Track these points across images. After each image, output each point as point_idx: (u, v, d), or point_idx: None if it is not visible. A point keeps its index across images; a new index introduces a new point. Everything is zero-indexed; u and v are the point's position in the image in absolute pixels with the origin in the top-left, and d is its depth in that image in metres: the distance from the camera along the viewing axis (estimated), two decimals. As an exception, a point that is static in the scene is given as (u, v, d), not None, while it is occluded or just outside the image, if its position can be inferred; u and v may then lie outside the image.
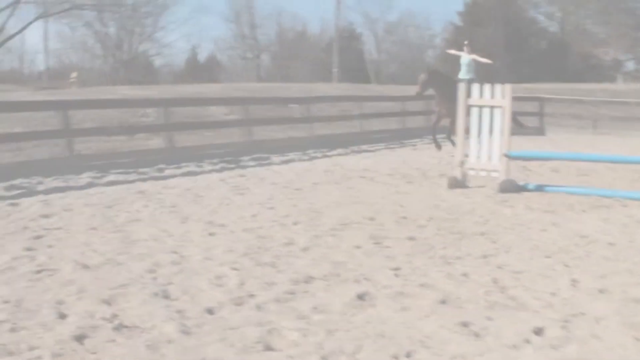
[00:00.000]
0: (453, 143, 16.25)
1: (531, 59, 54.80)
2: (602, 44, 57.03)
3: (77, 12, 64.44)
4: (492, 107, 11.81)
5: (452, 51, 20.28)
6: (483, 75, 19.83)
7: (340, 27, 57.76)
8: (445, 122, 17.58)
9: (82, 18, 66.12)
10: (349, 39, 64.14)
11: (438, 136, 17.85)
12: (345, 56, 56.99)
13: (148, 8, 67.91)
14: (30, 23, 64.55)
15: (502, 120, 11.70)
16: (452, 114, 16.49)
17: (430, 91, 17.38)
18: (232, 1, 72.28)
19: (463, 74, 18.40)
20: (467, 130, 12.08)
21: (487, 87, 11.91)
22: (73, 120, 14.25)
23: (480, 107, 11.91)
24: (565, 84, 38.92)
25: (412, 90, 17.71)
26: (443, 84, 17.01)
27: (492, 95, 11.81)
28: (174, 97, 19.24)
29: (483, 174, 11.95)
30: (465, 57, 18.77)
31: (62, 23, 66.56)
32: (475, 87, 12.01)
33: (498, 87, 11.82)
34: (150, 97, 21.00)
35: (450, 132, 17.12)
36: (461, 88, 12.13)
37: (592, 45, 56.67)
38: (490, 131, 11.84)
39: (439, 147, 17.52)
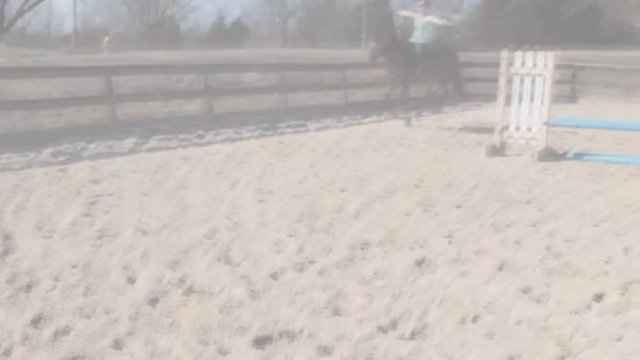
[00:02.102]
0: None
1: (562, 24, 54.29)
2: (635, 10, 56.39)
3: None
4: (533, 75, 11.83)
5: (404, 12, 18.23)
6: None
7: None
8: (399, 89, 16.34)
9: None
10: (376, 3, 63.71)
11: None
12: (374, 21, 56.71)
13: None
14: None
15: (543, 89, 11.72)
16: (403, 82, 16.00)
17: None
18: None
19: (417, 38, 16.13)
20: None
21: (529, 55, 11.93)
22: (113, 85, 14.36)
23: (522, 75, 11.93)
24: (597, 51, 38.57)
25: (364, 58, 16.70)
26: (394, 50, 15.62)
27: (534, 63, 11.82)
28: (215, 63, 19.34)
29: (522, 142, 12.00)
30: (420, 19, 16.22)
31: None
32: (518, 55, 12.01)
33: (540, 55, 11.83)
34: (189, 62, 21.12)
35: (402, 100, 16.44)
36: (503, 56, 12.11)
37: (624, 12, 56.05)
38: (531, 99, 11.87)
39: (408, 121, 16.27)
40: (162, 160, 10.94)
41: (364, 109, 18.50)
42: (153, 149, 12.01)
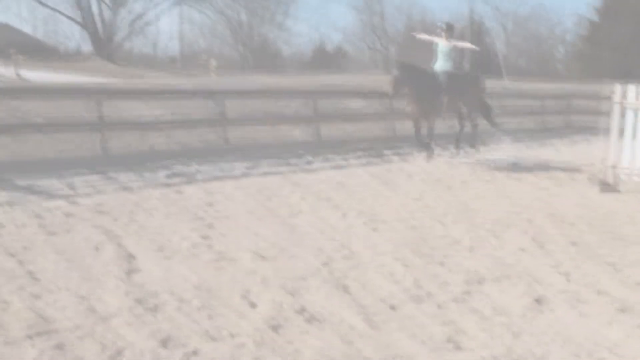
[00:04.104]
0: (428, 149, 14.39)
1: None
2: None
3: (210, -1, 66.30)
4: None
5: (424, 36, 16.44)
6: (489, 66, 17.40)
7: (471, 19, 57.19)
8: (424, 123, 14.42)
9: (214, 4, 67.95)
10: (478, 32, 63.38)
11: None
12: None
13: (279, -5, 69.04)
14: (166, 9, 66.69)
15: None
16: (428, 115, 14.23)
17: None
18: (362, -10, 72.32)
19: (441, 65, 14.50)
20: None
21: (642, 89, 11.74)
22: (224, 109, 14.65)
23: (636, 108, 11.72)
24: None
25: (385, 90, 14.05)
26: (418, 79, 13.90)
27: (649, 97, 11.62)
28: (322, 90, 19.45)
29: (636, 178, 11.76)
30: (444, 45, 14.58)
31: (194, 9, 68.50)
32: (632, 89, 11.80)
33: (654, 89, 11.63)
34: (296, 88, 21.35)
35: (429, 135, 14.42)
36: (616, 88, 11.91)
37: None
38: (645, 134, 11.65)
39: (430, 153, 14.52)
40: (273, 185, 11.10)
41: (470, 139, 18.35)
42: (263, 174, 12.18)
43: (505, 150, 16.39)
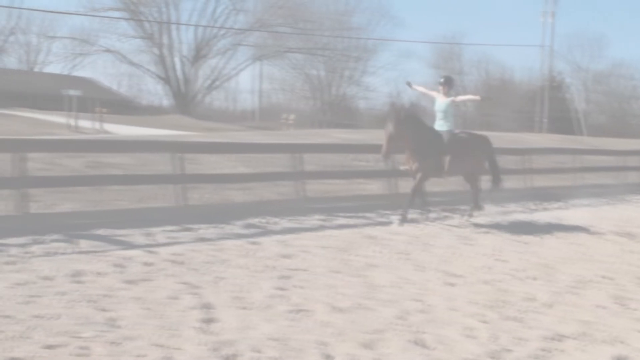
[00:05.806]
0: (405, 214, 12.98)
1: None
2: None
3: (289, 55, 67.61)
4: None
5: (421, 89, 13.93)
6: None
7: (550, 76, 56.87)
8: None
9: (293, 60, 69.28)
10: (555, 88, 62.97)
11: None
12: (551, 106, 56.06)
13: (357, 52, 69.90)
14: (245, 64, 68.14)
15: None
16: (423, 170, 13.12)
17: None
18: (438, 47, 72.71)
19: (440, 124, 13.39)
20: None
21: None
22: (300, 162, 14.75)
23: None
24: None
25: (380, 149, 13.09)
26: (416, 133, 12.81)
27: None
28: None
29: None
30: (441, 101, 13.45)
31: (273, 65, 69.87)
32: None
33: None
34: (370, 142, 21.46)
35: (414, 191, 13.27)
36: None
37: None
38: None
39: (427, 210, 13.80)
40: (349, 238, 11.13)
41: (546, 195, 18.16)
42: (339, 227, 12.24)
43: (584, 206, 16.18)
